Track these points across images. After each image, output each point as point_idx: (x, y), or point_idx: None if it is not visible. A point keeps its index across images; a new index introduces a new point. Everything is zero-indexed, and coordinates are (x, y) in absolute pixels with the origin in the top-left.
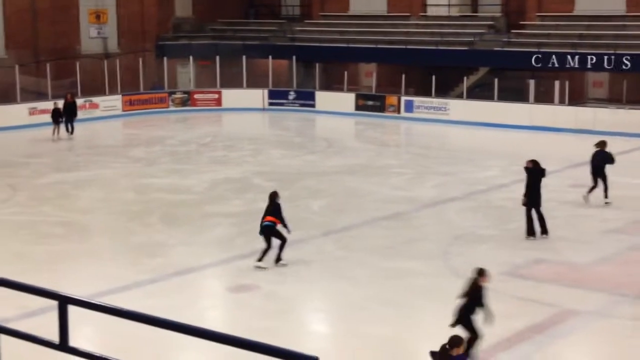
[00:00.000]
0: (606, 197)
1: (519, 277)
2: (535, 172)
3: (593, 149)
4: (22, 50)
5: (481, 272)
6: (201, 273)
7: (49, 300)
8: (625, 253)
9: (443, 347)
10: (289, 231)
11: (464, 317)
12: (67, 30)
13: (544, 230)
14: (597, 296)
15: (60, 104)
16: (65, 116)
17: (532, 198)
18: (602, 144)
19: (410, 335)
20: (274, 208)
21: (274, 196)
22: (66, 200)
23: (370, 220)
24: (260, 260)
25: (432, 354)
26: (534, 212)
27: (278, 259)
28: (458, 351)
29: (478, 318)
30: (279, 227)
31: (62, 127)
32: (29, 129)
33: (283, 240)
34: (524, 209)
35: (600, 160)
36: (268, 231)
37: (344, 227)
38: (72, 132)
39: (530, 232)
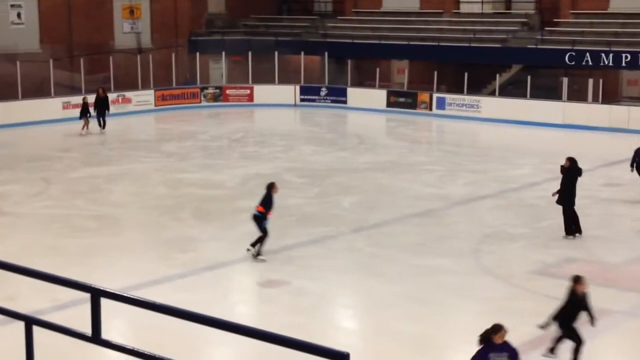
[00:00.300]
0: None
1: (550, 276)
2: (572, 171)
3: (630, 146)
4: (57, 45)
5: (577, 280)
6: (232, 268)
7: (79, 293)
8: None
9: (485, 333)
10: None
11: (565, 325)
12: (101, 25)
13: (577, 230)
14: (629, 296)
15: (89, 98)
16: (97, 110)
17: (568, 197)
18: None
19: (440, 332)
20: (266, 199)
21: (269, 187)
22: (99, 194)
23: (401, 217)
24: (253, 245)
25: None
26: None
27: (257, 253)
28: (499, 339)
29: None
30: (268, 219)
31: (92, 121)
32: (62, 123)
33: (264, 233)
34: (555, 207)
35: None
36: (255, 220)
37: (374, 223)
38: (104, 127)
39: (570, 230)
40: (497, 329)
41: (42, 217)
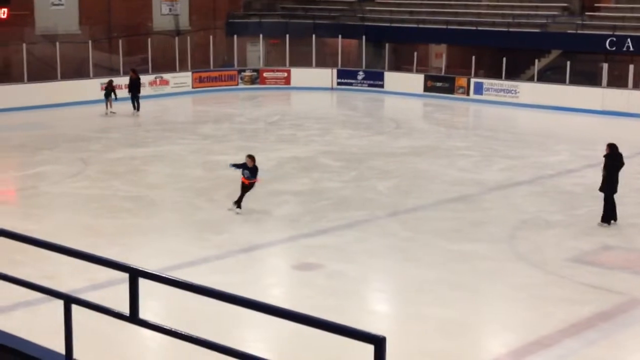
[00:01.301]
0: None
1: (587, 264)
2: (612, 157)
3: None
4: (96, 27)
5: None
6: (266, 250)
7: (116, 273)
8: None
9: None
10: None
11: None
12: (139, 7)
13: (614, 217)
14: None
15: (117, 80)
16: (130, 93)
17: (610, 184)
18: None
19: (475, 318)
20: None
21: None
22: (135, 175)
23: (436, 202)
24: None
25: None
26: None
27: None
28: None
29: None
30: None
31: (118, 104)
32: (101, 104)
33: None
34: (593, 194)
35: None
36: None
37: (410, 208)
38: (138, 109)
39: (607, 218)
40: None
41: (80, 197)
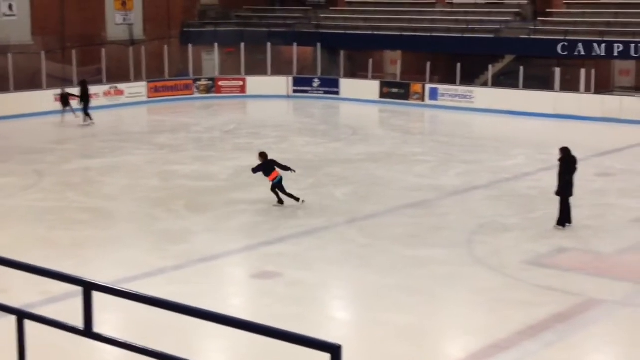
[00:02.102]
0: None
1: (543, 266)
2: (567, 161)
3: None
4: (49, 37)
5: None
6: (225, 260)
7: (71, 286)
8: None
9: None
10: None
11: None
12: (93, 17)
13: (569, 220)
14: (621, 285)
15: (70, 90)
16: (83, 103)
17: (565, 187)
18: None
19: (434, 323)
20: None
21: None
22: (91, 187)
23: (394, 208)
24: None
25: None
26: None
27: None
28: None
29: None
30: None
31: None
32: (54, 115)
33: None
34: (548, 198)
35: None
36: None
37: (367, 215)
38: (90, 118)
39: (562, 221)
40: None
41: (34, 210)
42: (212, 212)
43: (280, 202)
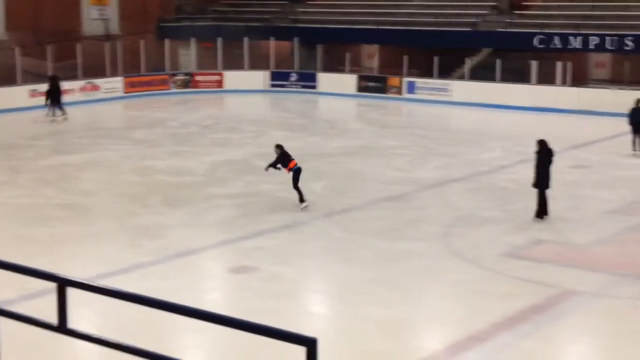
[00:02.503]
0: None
1: (520, 258)
2: (544, 153)
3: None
4: (23, 32)
5: None
6: (202, 255)
7: (49, 282)
8: (624, 234)
9: None
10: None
11: None
12: (68, 12)
13: (546, 212)
14: (596, 276)
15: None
16: (52, 99)
17: (542, 179)
18: (638, 102)
19: (412, 316)
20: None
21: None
22: (68, 183)
23: (372, 202)
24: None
25: None
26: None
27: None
28: None
29: None
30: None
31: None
32: (30, 111)
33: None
34: (525, 190)
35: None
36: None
37: (345, 208)
38: (62, 113)
39: (540, 213)
40: None
41: (11, 207)
42: (189, 207)
43: (302, 199)
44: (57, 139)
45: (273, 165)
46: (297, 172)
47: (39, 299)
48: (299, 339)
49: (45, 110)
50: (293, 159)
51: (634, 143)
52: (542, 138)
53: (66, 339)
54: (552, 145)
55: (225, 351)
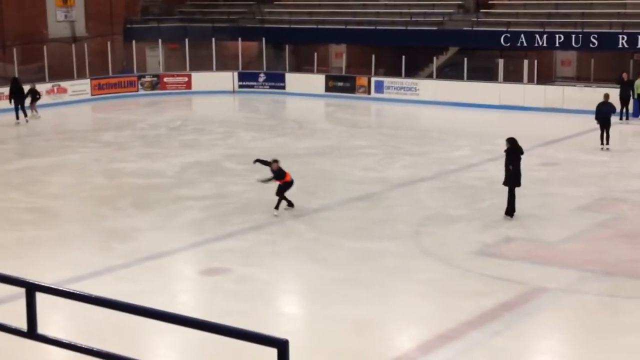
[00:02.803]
0: (607, 143)
1: (489, 256)
2: (514, 151)
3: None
4: None
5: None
6: (173, 257)
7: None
8: (592, 230)
9: None
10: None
11: None
12: (33, 14)
13: (513, 209)
14: (566, 273)
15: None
16: (14, 101)
17: (513, 177)
18: (606, 97)
19: (383, 315)
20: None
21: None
22: (35, 186)
23: (341, 202)
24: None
25: None
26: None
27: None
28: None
29: None
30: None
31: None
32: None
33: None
34: (494, 188)
35: (607, 112)
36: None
37: (315, 209)
38: (25, 116)
39: (510, 211)
40: None
41: None
42: (159, 210)
43: (290, 204)
44: (23, 142)
45: (267, 180)
46: (289, 185)
47: (7, 305)
48: (270, 341)
49: (15, 114)
50: (287, 172)
51: (602, 138)
52: (511, 136)
53: (36, 345)
54: (521, 143)
55: (197, 354)
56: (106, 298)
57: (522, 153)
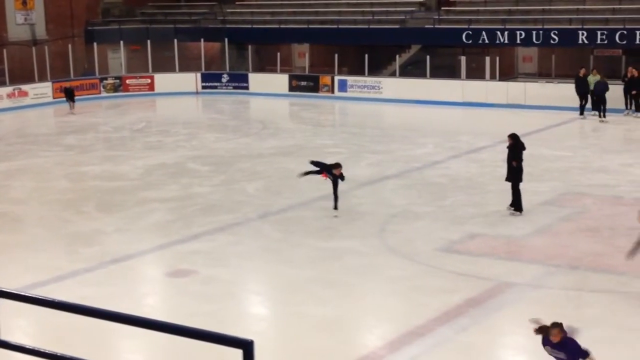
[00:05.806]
0: (604, 117)
1: (455, 253)
2: (517, 147)
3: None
4: None
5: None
6: (139, 260)
7: None
8: (557, 224)
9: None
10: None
11: None
12: None
13: (519, 205)
14: (531, 268)
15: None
16: None
17: (516, 173)
18: (602, 76)
19: (350, 314)
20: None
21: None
22: None
23: (307, 201)
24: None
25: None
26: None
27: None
28: (554, 338)
29: None
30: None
31: None
32: None
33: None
34: (458, 185)
35: (602, 90)
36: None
37: (280, 209)
38: None
39: (518, 206)
40: (546, 329)
41: None
42: (124, 212)
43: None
44: None
45: (310, 173)
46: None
47: None
48: (234, 342)
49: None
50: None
51: (599, 111)
52: (513, 132)
53: (1, 351)
54: (483, 140)
55: (164, 356)
56: (71, 303)
57: (524, 149)
